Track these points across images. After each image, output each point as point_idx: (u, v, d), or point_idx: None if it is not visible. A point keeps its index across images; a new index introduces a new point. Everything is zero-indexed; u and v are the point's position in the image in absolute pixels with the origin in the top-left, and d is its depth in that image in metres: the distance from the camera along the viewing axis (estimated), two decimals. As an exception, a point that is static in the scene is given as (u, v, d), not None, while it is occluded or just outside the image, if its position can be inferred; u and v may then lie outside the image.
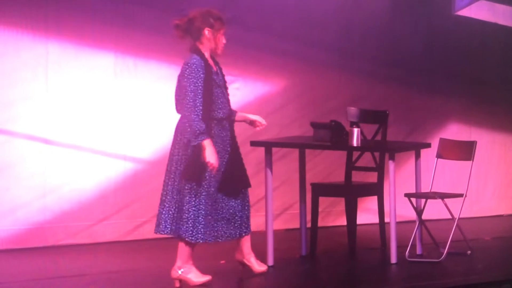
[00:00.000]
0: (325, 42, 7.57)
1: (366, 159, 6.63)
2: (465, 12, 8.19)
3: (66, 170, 6.69)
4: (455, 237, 6.16)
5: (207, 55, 5.32)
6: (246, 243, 5.51)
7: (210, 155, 5.16)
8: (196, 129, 5.16)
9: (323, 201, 6.59)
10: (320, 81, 7.55)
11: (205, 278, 5.36)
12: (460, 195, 6.16)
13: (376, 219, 6.58)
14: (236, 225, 5.39)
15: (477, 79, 8.18)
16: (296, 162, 6.42)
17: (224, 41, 5.35)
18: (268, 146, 6.07)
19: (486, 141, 8.08)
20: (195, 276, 5.34)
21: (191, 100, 5.14)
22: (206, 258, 5.80)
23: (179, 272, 5.30)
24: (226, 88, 5.42)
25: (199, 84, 5.15)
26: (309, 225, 6.38)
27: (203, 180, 5.23)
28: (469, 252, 6.33)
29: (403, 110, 7.80)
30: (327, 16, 7.58)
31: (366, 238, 6.70)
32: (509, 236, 7.16)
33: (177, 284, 5.38)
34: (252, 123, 5.59)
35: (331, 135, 6.14)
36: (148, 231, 6.85)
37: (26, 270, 5.98)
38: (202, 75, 5.18)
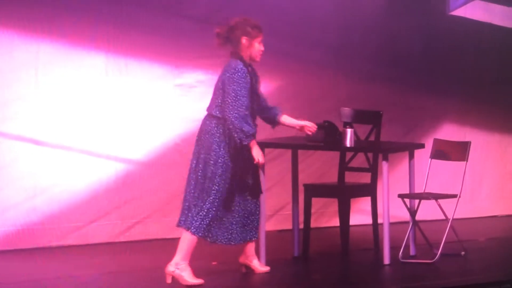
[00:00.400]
0: (322, 42, 7.56)
1: (360, 160, 6.61)
2: (460, 12, 8.15)
3: (56, 171, 6.66)
4: (449, 238, 6.14)
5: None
6: (251, 246, 5.65)
7: (258, 154, 5.49)
8: (247, 131, 5.43)
9: (316, 202, 6.58)
10: (315, 81, 7.53)
11: (198, 280, 5.39)
12: (454, 196, 6.15)
13: (369, 220, 6.56)
14: (247, 228, 5.56)
15: (472, 79, 8.15)
16: (289, 163, 6.41)
17: (261, 48, 5.57)
18: (261, 146, 5.96)
19: (480, 141, 8.03)
20: (189, 276, 5.40)
21: (243, 105, 5.40)
22: (199, 259, 5.77)
23: (175, 268, 5.37)
24: (258, 95, 5.64)
25: (247, 89, 5.44)
26: (301, 226, 6.36)
27: (226, 183, 5.46)
28: (463, 253, 6.30)
29: (398, 110, 7.77)
30: (325, 16, 7.56)
31: (359, 239, 6.67)
32: (503, 237, 7.14)
33: (169, 280, 5.42)
34: (301, 128, 5.78)
35: (325, 136, 6.12)
36: (139, 232, 6.89)
37: (16, 272, 5.95)
38: (249, 81, 5.46)
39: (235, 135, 5.41)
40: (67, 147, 6.71)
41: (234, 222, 5.51)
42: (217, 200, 5.44)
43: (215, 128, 5.50)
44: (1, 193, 6.46)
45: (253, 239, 5.59)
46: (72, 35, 6.66)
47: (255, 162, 5.51)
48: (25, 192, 6.53)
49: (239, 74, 5.45)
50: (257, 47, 5.56)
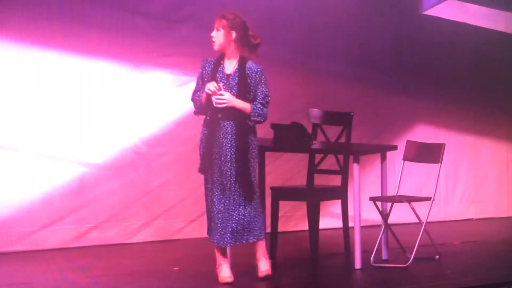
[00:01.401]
0: (288, 41, 7.44)
1: (330, 162, 6.47)
2: (434, 12, 8.12)
3: (6, 174, 6.41)
4: (422, 241, 6.02)
5: None
6: (256, 247, 5.54)
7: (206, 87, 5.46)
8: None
9: (284, 205, 6.44)
10: (282, 81, 7.42)
11: (226, 279, 5.46)
12: (428, 199, 6.04)
13: (339, 224, 6.43)
14: (247, 229, 5.44)
15: (446, 80, 8.09)
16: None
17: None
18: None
19: (455, 143, 7.97)
20: (220, 276, 5.51)
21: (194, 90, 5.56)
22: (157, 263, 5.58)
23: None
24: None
25: (198, 77, 5.56)
26: (268, 230, 6.15)
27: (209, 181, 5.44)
28: (437, 257, 6.19)
29: (369, 111, 7.68)
30: (290, 15, 7.44)
31: (329, 243, 6.55)
32: (478, 241, 7.03)
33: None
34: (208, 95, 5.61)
35: (293, 137, 5.99)
36: (95, 237, 6.69)
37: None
38: (202, 69, 5.52)
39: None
40: (19, 149, 6.48)
41: (219, 222, 5.37)
42: (207, 198, 5.42)
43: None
44: None
45: (255, 240, 5.44)
46: (25, 33, 6.44)
47: (208, 93, 5.29)
48: (-27, 196, 6.33)
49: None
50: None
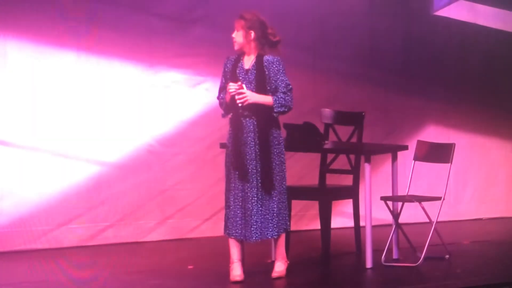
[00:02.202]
0: (300, 42, 7.47)
1: (341, 162, 6.50)
2: (444, 13, 8.12)
3: (25, 173, 6.50)
4: (432, 241, 6.04)
5: None
6: (277, 245, 5.61)
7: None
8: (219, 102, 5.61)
9: (296, 204, 6.46)
10: (294, 81, 7.38)
11: (236, 278, 5.47)
12: (438, 198, 6.06)
13: (351, 223, 6.46)
14: (265, 225, 5.46)
15: (456, 80, 8.10)
16: (268, 165, 6.29)
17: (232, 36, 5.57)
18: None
19: (465, 143, 7.98)
20: (231, 275, 5.52)
21: (219, 88, 5.63)
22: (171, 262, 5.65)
23: None
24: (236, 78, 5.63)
25: (222, 75, 5.63)
26: (281, 228, 6.24)
27: (230, 178, 5.47)
28: (447, 256, 6.21)
29: (380, 111, 7.70)
30: (302, 16, 7.48)
31: (340, 243, 6.58)
32: (488, 240, 7.03)
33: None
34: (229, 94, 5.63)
35: (305, 137, 6.04)
36: (112, 236, 6.75)
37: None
38: (225, 67, 5.62)
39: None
40: (36, 148, 6.55)
41: (242, 217, 5.43)
42: (228, 195, 5.47)
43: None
44: (-36, 196, 6.34)
45: (267, 237, 5.48)
46: (41, 33, 6.52)
47: (232, 94, 5.35)
48: (-8, 194, 6.40)
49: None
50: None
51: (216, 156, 6.62)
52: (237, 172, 5.44)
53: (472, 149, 8.12)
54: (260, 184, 5.43)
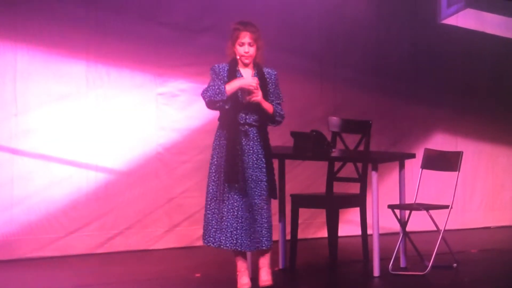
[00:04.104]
0: (307, 50, 7.48)
1: (349, 170, 6.51)
2: (451, 21, 8.12)
3: (34, 181, 6.53)
4: (440, 249, 6.05)
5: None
6: (259, 255, 5.55)
7: (244, 82, 5.42)
8: (215, 93, 5.45)
9: (303, 212, 6.47)
10: (302, 90, 7.46)
11: (244, 286, 5.46)
12: (446, 207, 6.07)
13: (358, 231, 6.46)
14: (254, 236, 5.42)
15: (464, 88, 8.09)
16: (275, 173, 6.23)
17: (245, 49, 5.48)
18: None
19: (472, 151, 7.97)
20: (238, 283, 5.51)
21: (207, 89, 5.52)
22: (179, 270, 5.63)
23: None
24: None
25: (214, 79, 5.52)
26: (288, 237, 6.24)
27: (215, 185, 5.47)
28: (455, 265, 6.20)
29: (387, 119, 7.70)
30: (309, 24, 7.50)
31: (348, 251, 6.58)
32: (496, 249, 7.03)
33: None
34: (245, 91, 5.55)
35: (312, 145, 6.05)
36: (120, 244, 6.77)
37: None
38: (217, 75, 5.51)
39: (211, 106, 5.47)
40: (45, 156, 6.58)
41: (238, 227, 5.39)
42: (209, 203, 5.43)
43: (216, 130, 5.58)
44: (-24, 204, 6.38)
45: (262, 248, 5.43)
46: (51, 43, 6.56)
47: (250, 88, 5.33)
48: (1, 202, 6.39)
49: (211, 70, 5.55)
50: (239, 49, 5.50)
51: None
52: (227, 184, 5.39)
53: (480, 157, 8.11)
54: (258, 192, 5.40)
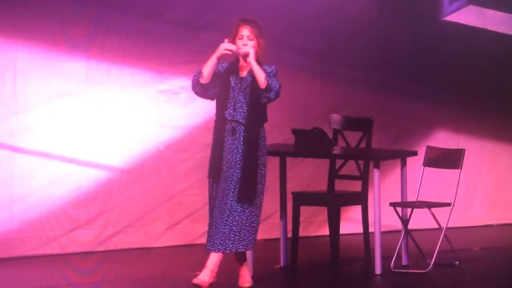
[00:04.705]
0: (308, 48, 7.48)
1: (350, 168, 6.50)
2: (453, 18, 8.11)
3: (35, 179, 6.53)
4: (442, 247, 6.05)
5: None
6: (239, 256, 5.47)
7: (221, 47, 5.41)
8: (195, 75, 5.46)
9: (305, 210, 6.48)
10: (303, 87, 7.46)
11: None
12: (448, 204, 6.07)
13: (360, 229, 6.46)
14: (239, 238, 5.34)
15: (466, 85, 8.08)
16: (277, 171, 6.29)
17: (243, 41, 5.43)
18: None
19: (474, 149, 7.95)
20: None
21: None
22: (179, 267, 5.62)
23: None
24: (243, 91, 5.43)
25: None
26: (290, 235, 6.25)
27: (212, 188, 5.41)
28: (457, 263, 6.21)
29: (389, 117, 7.68)
30: (310, 22, 7.49)
31: (349, 249, 6.58)
32: (498, 247, 7.03)
33: None
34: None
35: (314, 143, 6.05)
36: (121, 241, 6.76)
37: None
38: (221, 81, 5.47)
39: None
40: (46, 154, 6.58)
41: (226, 230, 5.31)
42: (210, 206, 5.41)
43: None
44: (-22, 201, 6.38)
45: (237, 250, 5.33)
46: (51, 41, 6.55)
47: (229, 51, 5.31)
48: (2, 200, 6.39)
49: None
50: (238, 43, 5.46)
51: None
52: (211, 179, 5.35)
53: (482, 154, 8.09)
54: (235, 194, 5.29)
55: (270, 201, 6.84)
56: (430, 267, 5.93)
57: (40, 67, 6.55)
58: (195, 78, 5.44)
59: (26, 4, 6.52)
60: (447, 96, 8.01)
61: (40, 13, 6.54)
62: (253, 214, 5.36)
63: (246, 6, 7.17)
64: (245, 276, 5.49)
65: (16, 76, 6.50)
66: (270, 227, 7.05)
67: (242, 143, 5.37)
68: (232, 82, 5.43)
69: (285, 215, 6.23)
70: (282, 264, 6.20)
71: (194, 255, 6.50)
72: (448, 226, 6.07)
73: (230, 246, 5.29)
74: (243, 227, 5.31)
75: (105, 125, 6.78)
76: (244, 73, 5.45)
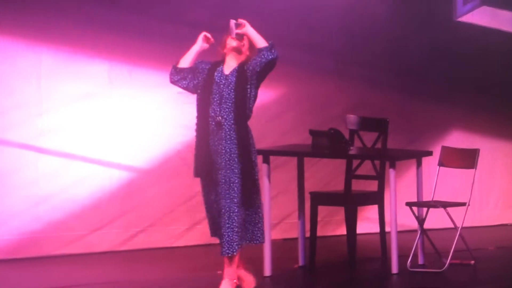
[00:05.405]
0: (325, 48, 7.53)
1: (366, 168, 6.54)
2: (467, 18, 8.12)
3: (59, 179, 6.63)
4: (458, 246, 6.08)
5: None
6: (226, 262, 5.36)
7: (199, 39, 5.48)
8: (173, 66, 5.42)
9: (322, 210, 6.51)
10: (320, 88, 7.49)
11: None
12: (463, 204, 6.10)
13: (376, 228, 6.49)
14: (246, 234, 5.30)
15: (480, 86, 8.10)
16: (294, 171, 6.33)
17: (230, 43, 5.39)
18: (266, 154, 6.00)
19: (489, 148, 7.93)
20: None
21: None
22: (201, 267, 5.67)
23: None
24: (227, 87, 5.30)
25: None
26: (307, 234, 6.30)
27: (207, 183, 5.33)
28: (472, 262, 6.24)
29: (404, 117, 7.72)
30: (327, 23, 7.53)
31: (366, 248, 6.62)
32: (513, 246, 7.11)
33: None
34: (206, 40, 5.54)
35: (330, 143, 6.10)
36: (143, 241, 6.85)
37: (19, 281, 5.91)
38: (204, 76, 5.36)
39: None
40: (70, 155, 6.68)
41: (230, 233, 5.17)
42: (204, 199, 5.34)
43: None
44: (4, 202, 6.45)
45: (223, 255, 5.20)
46: (75, 43, 6.65)
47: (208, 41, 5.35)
48: (27, 200, 6.50)
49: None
50: (226, 43, 5.41)
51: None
52: (204, 181, 5.24)
53: (496, 154, 8.10)
54: (225, 196, 5.15)
55: (288, 201, 6.92)
56: (446, 266, 5.96)
57: (64, 69, 6.65)
58: (172, 68, 5.37)
59: (49, 7, 6.62)
60: (462, 97, 8.03)
61: (63, 17, 6.64)
62: (253, 212, 5.29)
63: (265, 7, 7.22)
64: (247, 276, 5.43)
65: (40, 78, 6.60)
66: (288, 227, 7.14)
67: (229, 144, 5.18)
68: (216, 78, 5.29)
69: (303, 214, 6.28)
70: (300, 263, 6.24)
71: (215, 254, 6.54)
72: (464, 225, 6.10)
73: (236, 246, 5.17)
74: (237, 229, 5.19)
75: (127, 126, 6.87)
76: (229, 71, 5.32)
